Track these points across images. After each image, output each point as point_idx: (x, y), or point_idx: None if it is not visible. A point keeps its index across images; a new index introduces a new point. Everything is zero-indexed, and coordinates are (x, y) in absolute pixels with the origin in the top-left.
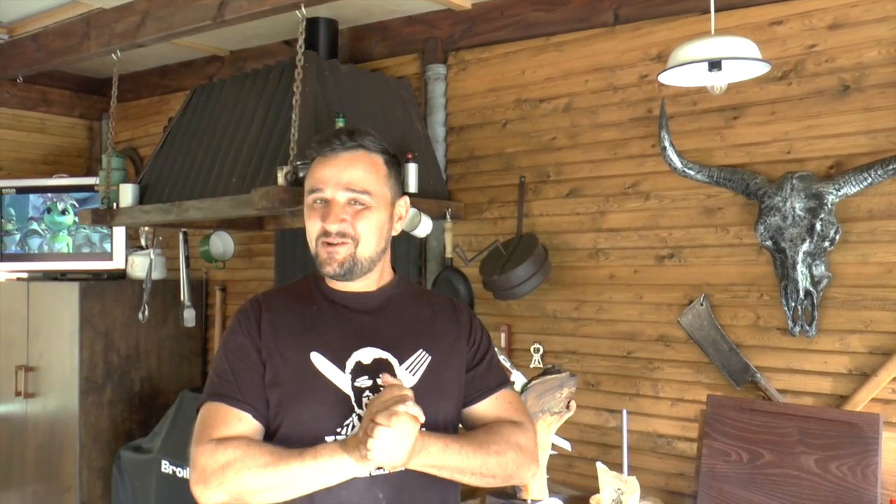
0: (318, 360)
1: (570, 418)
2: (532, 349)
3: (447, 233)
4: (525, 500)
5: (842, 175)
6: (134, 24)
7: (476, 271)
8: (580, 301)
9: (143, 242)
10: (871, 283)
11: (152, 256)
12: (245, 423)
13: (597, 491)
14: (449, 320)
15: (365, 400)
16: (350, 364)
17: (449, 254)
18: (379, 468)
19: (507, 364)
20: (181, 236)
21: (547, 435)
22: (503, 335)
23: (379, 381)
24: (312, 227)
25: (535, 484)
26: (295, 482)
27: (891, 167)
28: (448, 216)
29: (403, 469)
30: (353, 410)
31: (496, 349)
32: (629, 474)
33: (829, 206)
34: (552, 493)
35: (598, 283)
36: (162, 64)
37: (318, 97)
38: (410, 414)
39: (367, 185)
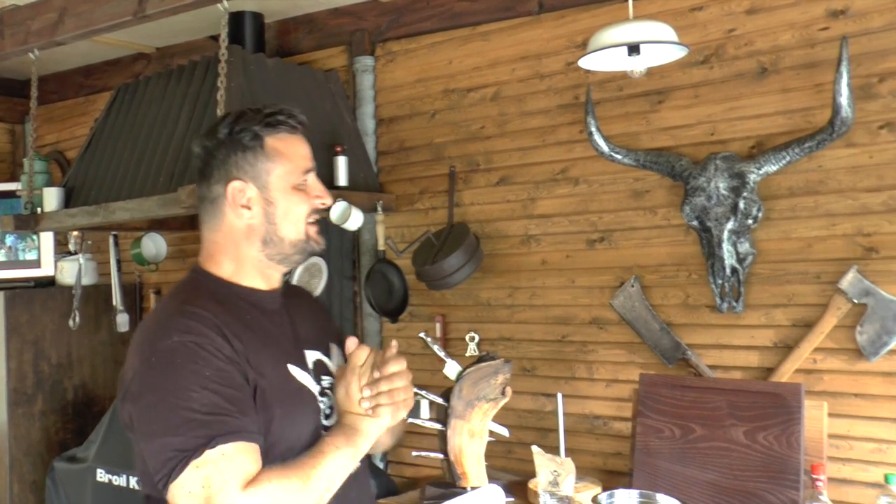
0: (296, 372)
1: (507, 404)
2: (468, 338)
3: (379, 225)
4: (465, 488)
5: (762, 154)
6: (51, 21)
7: (409, 263)
8: (514, 288)
9: (71, 247)
10: (793, 258)
11: (82, 261)
12: (260, 455)
13: (536, 475)
14: (322, 310)
15: (321, 405)
16: (311, 368)
17: (381, 246)
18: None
19: (441, 354)
20: (111, 239)
21: (483, 422)
22: (438, 325)
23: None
24: (302, 210)
25: (475, 471)
26: (336, 475)
27: (807, 145)
28: (379, 208)
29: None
30: (319, 413)
31: (431, 340)
32: (566, 456)
33: (752, 184)
34: (491, 479)
35: (530, 270)
36: (86, 63)
37: (245, 92)
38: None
39: None
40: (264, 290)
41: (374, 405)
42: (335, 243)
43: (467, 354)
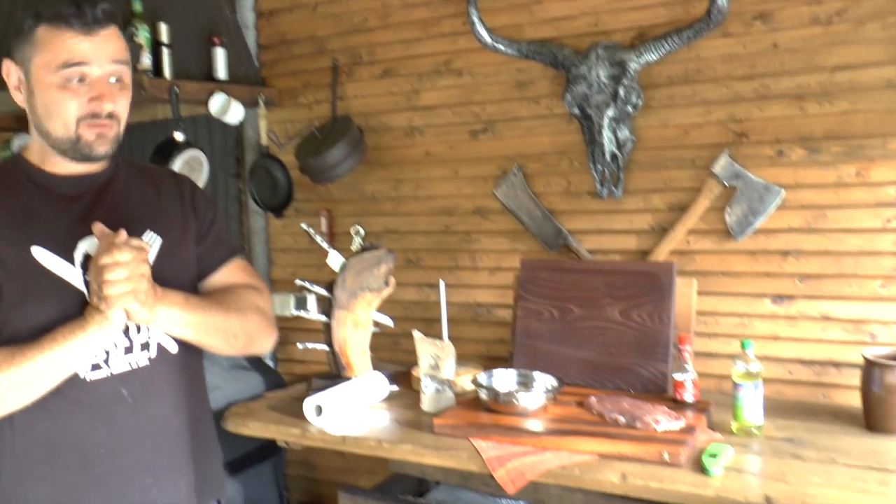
0: (42, 255)
1: (392, 296)
2: (352, 231)
3: (261, 119)
4: (350, 378)
5: (642, 44)
6: None
7: (293, 158)
8: (398, 180)
9: None
10: (670, 145)
11: None
12: None
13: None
14: (173, 195)
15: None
16: (78, 256)
17: (264, 141)
18: (126, 331)
19: (324, 245)
20: None
21: (367, 312)
22: (324, 220)
23: None
24: (69, 108)
25: (359, 361)
26: (40, 376)
27: (685, 34)
28: (262, 102)
29: (149, 363)
30: (78, 304)
31: (314, 232)
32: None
33: (632, 73)
34: (377, 369)
35: (414, 162)
36: None
37: None
38: (133, 245)
39: (127, 59)
40: (61, 174)
41: (101, 297)
42: (218, 141)
43: (353, 248)
